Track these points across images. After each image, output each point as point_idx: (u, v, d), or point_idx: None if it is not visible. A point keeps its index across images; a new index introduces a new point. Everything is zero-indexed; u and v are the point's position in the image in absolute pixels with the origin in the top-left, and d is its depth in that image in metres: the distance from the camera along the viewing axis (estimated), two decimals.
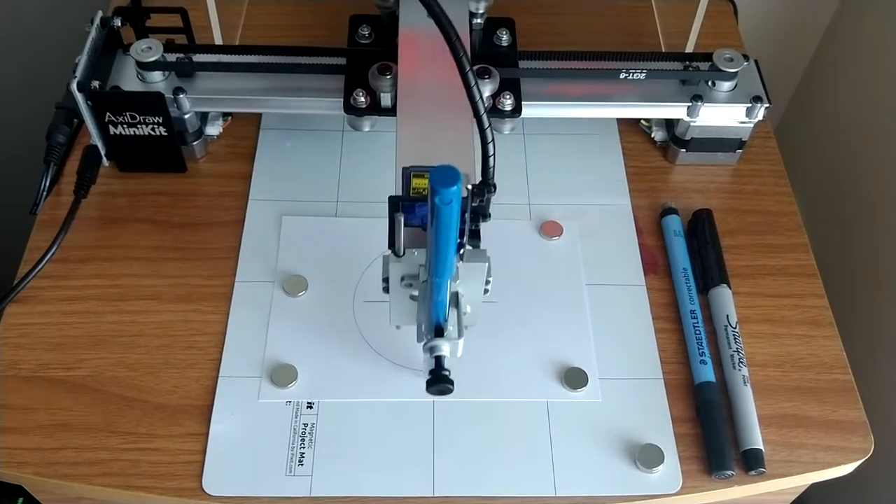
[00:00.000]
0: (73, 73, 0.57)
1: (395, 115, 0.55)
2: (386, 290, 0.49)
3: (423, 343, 0.48)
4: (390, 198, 0.47)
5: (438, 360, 0.46)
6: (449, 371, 0.46)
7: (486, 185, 0.45)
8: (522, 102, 0.60)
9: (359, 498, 0.50)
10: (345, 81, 0.60)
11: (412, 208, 0.46)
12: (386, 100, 0.58)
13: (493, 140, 0.43)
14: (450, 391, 0.47)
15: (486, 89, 0.56)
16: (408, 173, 0.48)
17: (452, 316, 0.47)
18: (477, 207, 0.46)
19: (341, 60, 0.61)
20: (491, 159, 0.44)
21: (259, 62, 0.61)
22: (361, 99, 0.59)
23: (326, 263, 0.60)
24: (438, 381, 0.46)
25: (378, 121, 0.61)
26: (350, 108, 0.59)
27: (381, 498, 0.50)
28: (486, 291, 0.49)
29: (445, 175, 0.37)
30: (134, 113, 0.59)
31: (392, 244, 0.46)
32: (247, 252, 0.60)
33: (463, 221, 0.43)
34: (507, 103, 0.59)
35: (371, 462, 0.52)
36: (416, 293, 0.48)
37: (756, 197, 0.66)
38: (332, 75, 0.61)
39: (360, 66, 0.59)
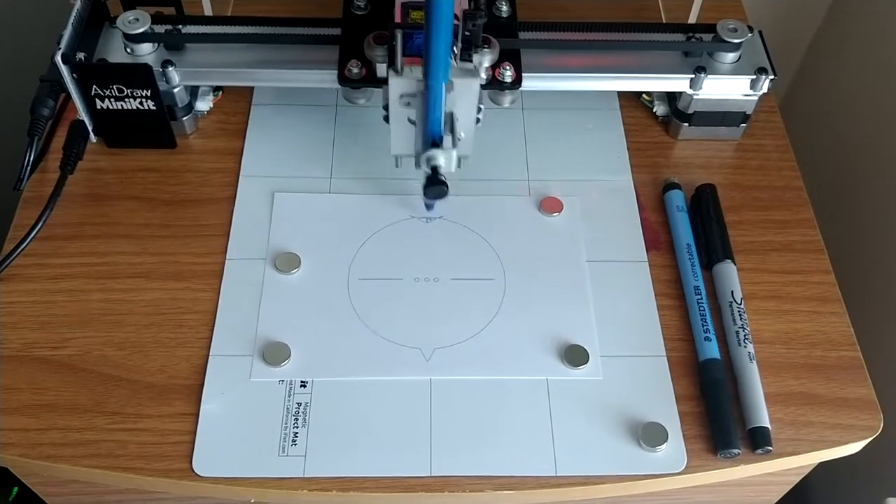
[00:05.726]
0: (58, 45, 0.56)
1: None
2: (386, 119, 0.53)
3: (420, 157, 0.52)
4: (389, 24, 0.51)
5: (435, 168, 0.51)
6: (444, 176, 0.51)
7: (477, 11, 0.49)
8: (522, 74, 0.58)
9: (354, 478, 0.49)
10: (339, 52, 0.58)
11: (410, 37, 0.50)
12: (382, 70, 0.56)
13: None
14: (445, 193, 0.52)
15: (486, 59, 0.55)
16: (406, 7, 0.52)
17: (447, 138, 0.51)
18: (469, 36, 0.50)
19: (336, 31, 0.60)
20: None
21: (251, 33, 0.60)
22: (356, 70, 0.57)
23: (320, 240, 0.58)
24: (434, 183, 0.51)
25: (374, 94, 0.60)
26: (345, 80, 0.57)
27: (377, 478, 0.49)
28: (478, 121, 0.53)
29: None
30: (121, 86, 0.57)
31: (392, 63, 0.51)
32: (238, 229, 0.59)
33: (457, 22, 0.47)
34: (508, 74, 0.57)
35: (367, 441, 0.50)
36: (413, 116, 0.51)
37: (760, 172, 0.64)
38: (326, 46, 0.59)
39: (357, 36, 0.58)
